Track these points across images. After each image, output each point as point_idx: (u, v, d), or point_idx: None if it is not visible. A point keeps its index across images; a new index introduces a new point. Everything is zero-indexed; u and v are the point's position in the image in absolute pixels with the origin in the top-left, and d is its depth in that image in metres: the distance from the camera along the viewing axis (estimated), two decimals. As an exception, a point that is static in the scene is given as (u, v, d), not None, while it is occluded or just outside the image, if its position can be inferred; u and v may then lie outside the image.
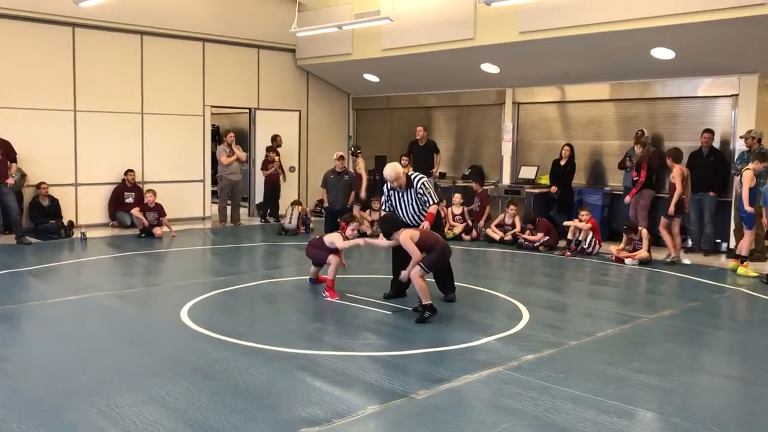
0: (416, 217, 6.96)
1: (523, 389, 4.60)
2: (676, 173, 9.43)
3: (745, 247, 8.79)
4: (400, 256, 6.82)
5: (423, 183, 6.96)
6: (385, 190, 7.14)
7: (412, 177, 6.99)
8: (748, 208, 8.65)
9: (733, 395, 4.76)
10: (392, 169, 6.90)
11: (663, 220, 9.55)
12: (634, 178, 10.40)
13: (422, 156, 12.72)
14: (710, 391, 4.84)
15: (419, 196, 6.91)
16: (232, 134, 12.99)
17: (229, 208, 13.01)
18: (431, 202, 6.93)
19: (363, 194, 12.04)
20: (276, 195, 13.48)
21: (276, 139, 13.55)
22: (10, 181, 10.14)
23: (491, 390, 4.64)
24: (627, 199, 10.51)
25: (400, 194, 6.98)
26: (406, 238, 6.29)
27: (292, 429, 3.91)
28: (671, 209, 9.33)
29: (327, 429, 3.93)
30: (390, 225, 6.49)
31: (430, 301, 6.29)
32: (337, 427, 3.95)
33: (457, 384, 4.69)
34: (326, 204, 10.89)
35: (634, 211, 10.47)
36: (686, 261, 9.40)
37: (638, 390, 4.66)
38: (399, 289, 7.10)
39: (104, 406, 4.18)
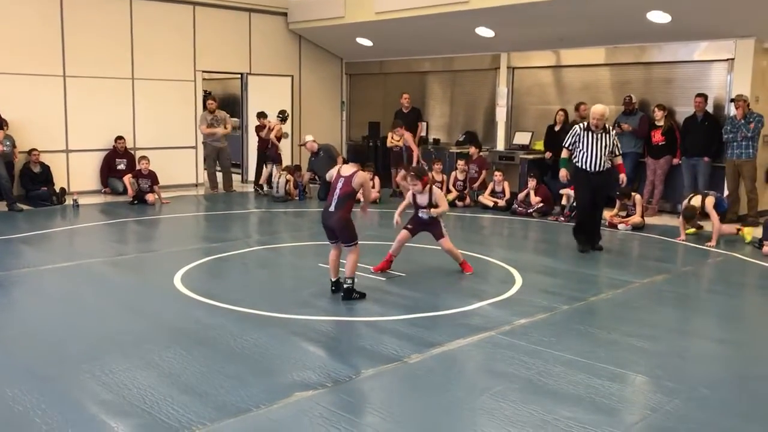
0: (603, 160, 7.81)
1: (516, 353, 4.63)
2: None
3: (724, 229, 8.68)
4: (591, 212, 8.00)
5: (617, 132, 8.41)
6: (578, 129, 7.93)
7: (608, 126, 8.00)
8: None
9: (724, 358, 4.80)
10: (603, 109, 7.84)
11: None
12: (661, 143, 10.38)
13: (406, 123, 12.63)
14: (701, 355, 4.88)
15: (614, 144, 7.87)
16: (212, 101, 12.74)
17: (220, 174, 12.92)
18: (617, 153, 7.95)
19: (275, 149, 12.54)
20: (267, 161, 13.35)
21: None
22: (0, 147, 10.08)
23: (484, 354, 4.67)
24: (649, 161, 10.60)
25: (597, 136, 7.79)
26: (366, 180, 5.99)
27: (286, 393, 3.93)
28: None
29: (321, 393, 3.95)
30: (361, 157, 6.19)
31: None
32: (331, 391, 3.98)
33: (449, 348, 4.72)
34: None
35: (653, 176, 10.56)
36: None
37: (629, 353, 4.70)
38: (591, 240, 8.09)
39: (98, 371, 4.19)
